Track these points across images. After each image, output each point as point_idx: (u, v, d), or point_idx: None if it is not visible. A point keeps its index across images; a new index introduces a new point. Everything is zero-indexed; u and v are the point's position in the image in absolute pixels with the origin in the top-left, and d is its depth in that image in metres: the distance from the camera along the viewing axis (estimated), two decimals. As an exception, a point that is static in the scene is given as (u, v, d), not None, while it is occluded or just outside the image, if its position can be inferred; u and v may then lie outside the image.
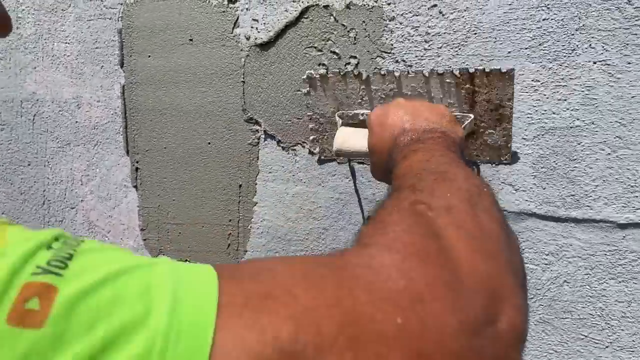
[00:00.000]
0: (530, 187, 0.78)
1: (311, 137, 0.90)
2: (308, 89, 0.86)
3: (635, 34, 0.70)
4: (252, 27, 0.91)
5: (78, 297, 0.25)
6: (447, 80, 0.75)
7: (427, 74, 0.76)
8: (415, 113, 0.63)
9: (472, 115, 0.75)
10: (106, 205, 1.10)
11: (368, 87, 0.80)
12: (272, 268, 0.32)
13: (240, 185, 0.98)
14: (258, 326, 0.26)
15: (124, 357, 0.24)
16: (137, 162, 1.05)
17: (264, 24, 0.90)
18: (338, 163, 0.90)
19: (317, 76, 0.85)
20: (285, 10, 0.89)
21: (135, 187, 1.06)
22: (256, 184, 0.97)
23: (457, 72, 0.74)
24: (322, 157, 0.90)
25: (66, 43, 1.07)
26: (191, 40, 0.97)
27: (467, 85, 0.75)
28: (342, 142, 0.78)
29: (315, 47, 0.88)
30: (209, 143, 0.99)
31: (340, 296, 0.29)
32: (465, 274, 0.33)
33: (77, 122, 1.09)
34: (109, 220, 1.10)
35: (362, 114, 0.80)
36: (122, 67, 1.03)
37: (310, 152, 0.91)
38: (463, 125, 0.72)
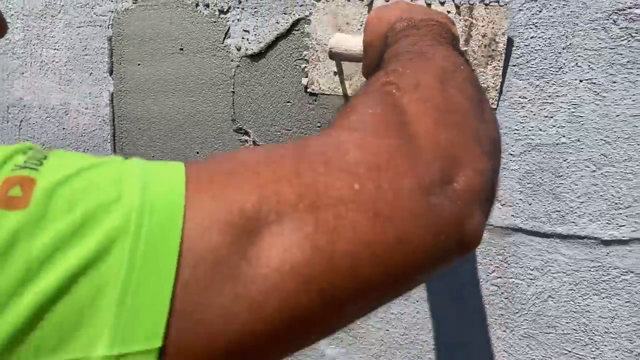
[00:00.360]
0: (517, 203, 0.79)
1: (303, 66, 0.89)
2: (310, 11, 0.86)
3: (621, 54, 0.72)
4: (243, 38, 0.92)
5: (55, 185, 0.27)
6: (448, 10, 0.77)
7: (429, 2, 0.78)
8: (413, 8, 0.63)
9: (465, 49, 0.77)
10: (92, 213, 1.09)
11: (370, 11, 0.81)
12: (235, 153, 0.34)
13: (228, 196, 0.98)
14: (224, 198, 0.29)
15: (103, 231, 0.26)
16: (124, 170, 1.05)
17: (255, 35, 0.91)
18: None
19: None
20: (277, 22, 0.89)
21: (122, 195, 1.06)
22: (244, 195, 0.97)
23: (458, 2, 0.77)
24: (310, 90, 0.89)
25: (55, 49, 1.07)
26: (182, 49, 0.97)
27: (466, 17, 0.76)
28: (337, 42, 0.77)
29: (305, 59, 0.88)
30: (198, 152, 0.99)
31: (300, 170, 0.31)
32: (425, 143, 0.34)
33: (64, 128, 1.08)
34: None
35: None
36: (111, 74, 1.03)
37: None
38: None
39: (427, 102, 0.37)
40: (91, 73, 1.04)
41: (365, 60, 0.68)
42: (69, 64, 1.06)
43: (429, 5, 0.78)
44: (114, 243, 0.26)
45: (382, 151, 0.33)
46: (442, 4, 0.78)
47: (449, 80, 0.40)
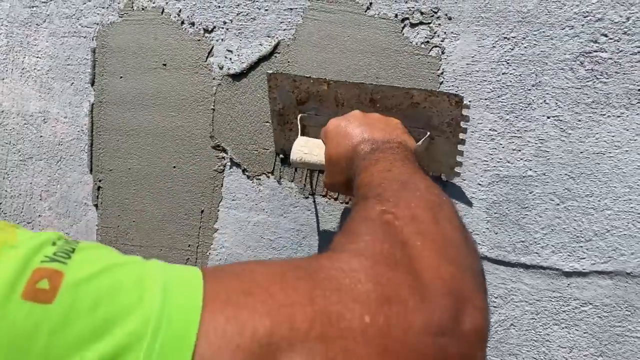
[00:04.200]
0: (483, 231, 0.82)
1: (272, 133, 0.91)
2: (270, 84, 0.85)
3: (586, 94, 0.75)
4: (226, 58, 0.94)
5: (81, 281, 0.29)
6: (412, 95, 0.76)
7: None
8: (371, 124, 0.66)
9: (428, 132, 0.77)
10: (64, 223, 1.08)
11: (330, 92, 0.80)
12: (253, 269, 0.34)
13: (202, 211, 0.99)
14: (238, 320, 0.29)
15: (122, 332, 0.27)
16: (99, 180, 1.05)
17: (238, 55, 0.93)
18: (299, 192, 0.92)
19: (280, 75, 0.84)
20: (260, 44, 0.91)
21: (96, 206, 1.06)
22: (218, 211, 0.97)
23: (416, 93, 0.76)
24: (281, 156, 0.92)
25: (38, 57, 1.07)
26: (165, 65, 0.98)
27: (424, 106, 0.76)
28: (301, 157, 0.78)
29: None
30: (175, 167, 1.00)
31: (313, 296, 0.32)
32: (429, 278, 0.35)
33: (41, 136, 1.08)
34: (65, 237, 1.08)
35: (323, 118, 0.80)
36: (92, 85, 1.03)
37: (278, 182, 0.93)
38: (420, 142, 0.74)
39: (426, 236, 0.39)
40: (72, 83, 1.05)
41: (327, 174, 0.70)
42: (50, 73, 1.06)
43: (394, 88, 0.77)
44: (132, 345, 0.27)
45: (392, 283, 0.33)
46: (407, 91, 0.76)
47: (439, 213, 0.43)
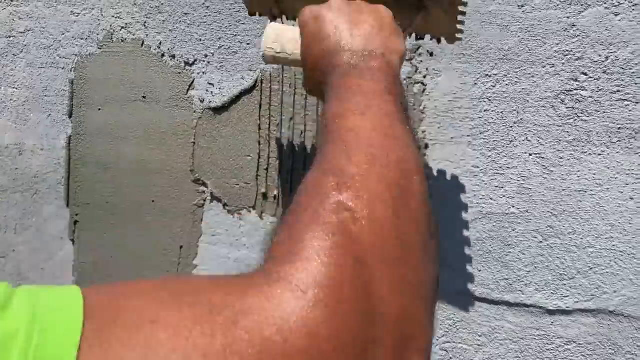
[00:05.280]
0: (467, 269, 0.81)
1: None
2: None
3: (567, 132, 0.75)
4: (207, 91, 0.93)
5: None
6: None
7: None
8: (353, 21, 0.54)
9: (420, 15, 0.66)
10: (39, 257, 1.05)
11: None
12: (155, 313, 0.28)
13: (181, 247, 0.97)
14: None
15: None
16: (76, 214, 1.03)
17: (220, 88, 0.92)
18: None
19: None
20: (242, 78, 0.90)
21: (72, 240, 1.03)
22: (198, 246, 0.96)
23: None
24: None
25: (14, 88, 1.05)
26: (144, 97, 0.97)
27: None
28: (272, 55, 0.65)
29: (269, 115, 0.89)
30: (153, 201, 0.98)
31: (227, 344, 0.26)
32: (380, 314, 0.31)
33: (17, 168, 1.06)
34: (41, 272, 1.05)
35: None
36: (70, 117, 1.02)
37: (260, 217, 0.91)
38: (407, 37, 0.64)
39: (384, 251, 0.34)
40: (50, 114, 1.03)
41: (305, 78, 0.60)
42: (27, 104, 1.04)
43: None
44: None
45: (329, 334, 0.29)
46: None
47: (404, 208, 0.37)
